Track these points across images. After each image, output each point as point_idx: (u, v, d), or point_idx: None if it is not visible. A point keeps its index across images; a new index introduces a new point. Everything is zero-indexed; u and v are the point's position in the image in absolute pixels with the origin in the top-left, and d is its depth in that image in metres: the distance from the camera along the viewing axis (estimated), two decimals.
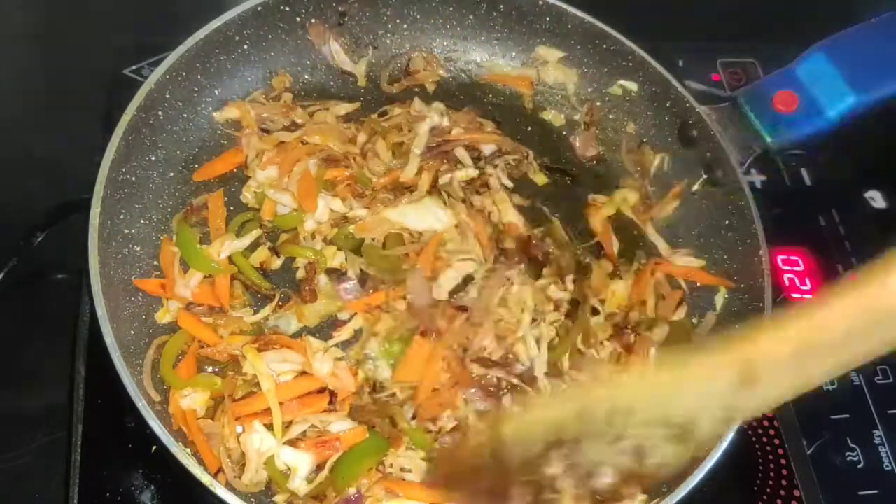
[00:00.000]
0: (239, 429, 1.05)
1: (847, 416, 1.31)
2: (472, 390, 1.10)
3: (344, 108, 1.36)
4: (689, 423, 0.77)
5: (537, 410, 0.91)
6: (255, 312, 1.15)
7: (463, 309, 1.14)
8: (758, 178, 1.52)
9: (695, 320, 1.26)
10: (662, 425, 0.78)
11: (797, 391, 0.75)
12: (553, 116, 1.46)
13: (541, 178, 1.37)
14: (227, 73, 1.30)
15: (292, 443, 1.05)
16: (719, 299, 1.26)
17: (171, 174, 1.24)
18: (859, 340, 0.71)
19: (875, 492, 1.25)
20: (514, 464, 0.83)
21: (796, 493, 1.22)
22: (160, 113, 1.21)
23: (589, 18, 1.37)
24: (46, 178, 1.35)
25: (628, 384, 0.85)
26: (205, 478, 0.95)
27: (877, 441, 1.29)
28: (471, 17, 1.42)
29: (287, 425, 1.05)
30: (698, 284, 1.29)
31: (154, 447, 1.04)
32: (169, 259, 1.15)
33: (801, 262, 1.46)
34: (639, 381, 0.85)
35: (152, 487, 1.09)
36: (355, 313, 1.16)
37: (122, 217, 1.14)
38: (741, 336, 0.76)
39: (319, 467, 1.05)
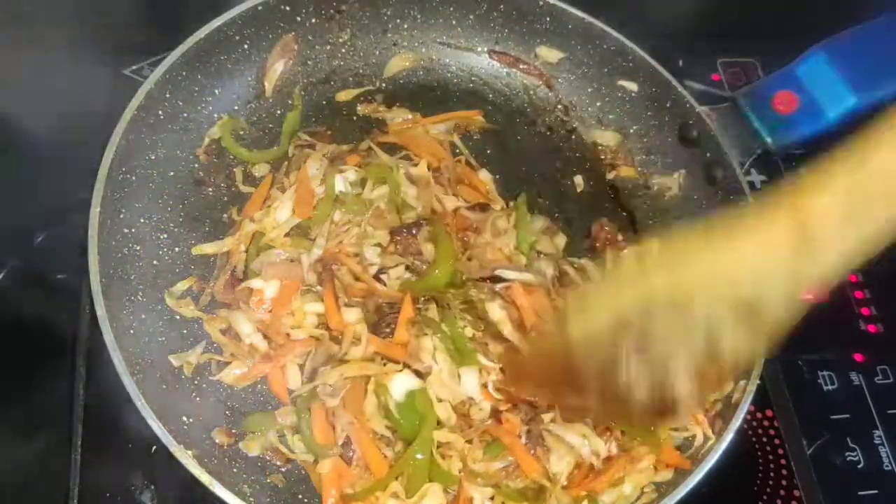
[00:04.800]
0: None
1: (847, 416, 1.31)
2: None
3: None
4: (754, 297, 0.74)
5: (596, 300, 0.86)
6: None
7: None
8: (758, 178, 1.52)
9: None
10: (728, 301, 0.75)
11: (859, 253, 0.72)
12: None
13: None
14: (227, 73, 1.30)
15: None
16: None
17: (171, 174, 1.24)
18: None
19: (875, 492, 1.25)
20: (586, 361, 0.81)
21: (796, 493, 1.22)
22: (160, 113, 1.21)
23: (589, 18, 1.37)
24: (46, 178, 1.35)
25: (681, 260, 0.81)
26: (204, 477, 0.95)
27: (877, 441, 1.29)
28: (471, 17, 1.42)
29: None
30: None
31: (154, 447, 1.05)
32: None
33: None
34: (691, 255, 0.80)
35: (152, 487, 1.09)
36: None
37: (122, 217, 1.14)
38: (786, 193, 0.73)
39: None
